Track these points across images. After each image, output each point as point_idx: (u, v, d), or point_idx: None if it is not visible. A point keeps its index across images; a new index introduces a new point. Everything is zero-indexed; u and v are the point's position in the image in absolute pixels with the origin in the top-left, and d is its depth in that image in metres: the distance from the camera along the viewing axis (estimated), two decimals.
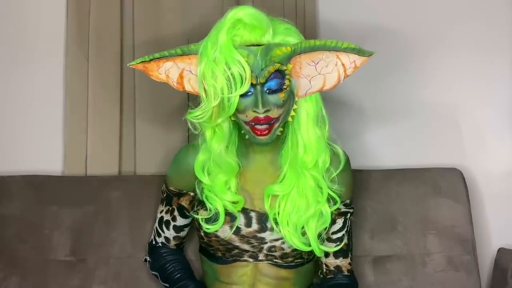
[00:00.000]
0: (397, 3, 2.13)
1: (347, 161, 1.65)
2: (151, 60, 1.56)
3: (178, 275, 1.69)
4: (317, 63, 1.54)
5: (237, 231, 1.61)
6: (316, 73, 1.54)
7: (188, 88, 1.57)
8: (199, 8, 2.03)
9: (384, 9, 2.12)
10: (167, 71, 1.56)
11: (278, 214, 1.59)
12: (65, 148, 2.06)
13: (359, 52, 1.52)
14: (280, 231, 1.59)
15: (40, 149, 2.08)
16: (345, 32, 2.05)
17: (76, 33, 2.04)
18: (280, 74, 1.49)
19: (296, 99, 1.55)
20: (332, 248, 1.66)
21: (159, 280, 1.73)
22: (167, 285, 1.70)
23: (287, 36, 1.53)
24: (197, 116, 1.53)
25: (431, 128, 2.14)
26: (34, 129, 2.09)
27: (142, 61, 1.56)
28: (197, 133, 1.59)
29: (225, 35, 1.46)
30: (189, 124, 1.58)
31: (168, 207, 1.71)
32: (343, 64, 1.53)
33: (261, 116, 1.48)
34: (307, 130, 1.56)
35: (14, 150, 2.08)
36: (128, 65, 1.60)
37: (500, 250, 2.02)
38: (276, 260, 1.64)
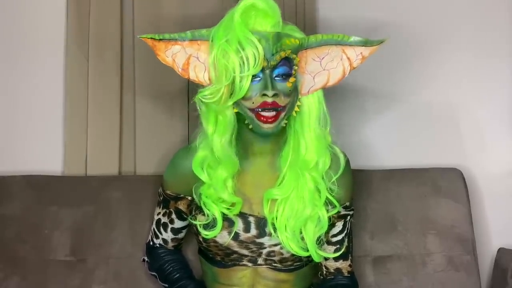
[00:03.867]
0: (397, 3, 2.13)
1: (347, 163, 1.64)
2: (160, 39, 1.55)
3: (177, 275, 1.68)
4: (323, 58, 1.54)
5: (236, 237, 1.59)
6: (321, 69, 1.55)
7: (192, 75, 1.55)
8: (200, 8, 2.03)
9: (384, 9, 2.12)
10: (174, 55, 1.54)
11: (276, 218, 1.57)
12: (65, 148, 2.06)
13: (366, 43, 1.53)
14: (278, 236, 1.57)
15: (40, 149, 2.08)
16: (345, 32, 2.04)
17: (76, 33, 2.04)
18: (288, 62, 1.49)
19: (299, 96, 1.55)
20: (331, 254, 1.65)
21: (158, 280, 1.73)
22: (166, 285, 1.69)
23: (293, 33, 1.54)
24: (206, 95, 1.51)
25: (431, 128, 2.14)
26: (34, 129, 2.09)
27: (152, 38, 1.55)
28: (198, 115, 1.57)
29: (239, 17, 1.46)
30: (197, 105, 1.55)
31: (165, 209, 1.70)
32: (348, 58, 1.54)
33: (270, 100, 1.47)
34: (309, 129, 1.55)
35: (14, 150, 2.08)
36: (138, 36, 1.58)
37: (500, 250, 2.02)
38: (275, 265, 1.63)
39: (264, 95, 1.47)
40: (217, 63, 1.49)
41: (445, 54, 2.13)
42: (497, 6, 2.12)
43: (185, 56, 1.55)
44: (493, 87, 2.14)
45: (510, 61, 2.13)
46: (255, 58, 1.45)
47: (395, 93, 2.13)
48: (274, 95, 1.47)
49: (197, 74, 1.55)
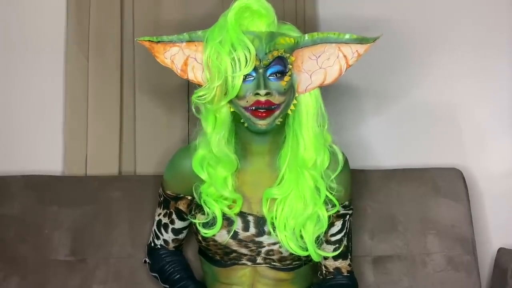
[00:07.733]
0: (397, 2, 2.13)
1: (346, 162, 1.64)
2: (158, 42, 1.57)
3: (178, 275, 1.68)
4: (319, 56, 1.55)
5: (235, 236, 1.59)
6: (318, 67, 1.55)
7: (190, 76, 1.57)
8: (200, 9, 2.03)
9: (384, 8, 2.12)
10: (173, 56, 1.57)
11: (276, 218, 1.57)
12: (65, 148, 2.06)
13: (361, 41, 1.54)
14: (277, 235, 1.57)
15: (40, 149, 2.08)
16: (345, 31, 2.04)
17: (76, 33, 2.04)
18: (282, 61, 1.50)
19: (296, 94, 1.55)
20: (330, 253, 1.65)
21: (159, 281, 1.73)
22: (167, 286, 1.69)
23: (290, 31, 1.55)
24: (200, 96, 1.53)
25: (431, 128, 2.14)
26: (34, 129, 2.09)
27: (150, 40, 1.57)
28: (198, 116, 1.57)
29: (233, 18, 1.48)
30: (193, 105, 1.56)
31: (165, 210, 1.70)
32: (344, 56, 1.54)
33: (263, 99, 1.48)
34: (307, 128, 1.55)
35: (14, 150, 2.08)
36: (136, 39, 1.61)
37: (500, 250, 2.02)
38: (275, 263, 1.63)
39: (257, 94, 1.48)
40: (210, 64, 1.50)
41: (446, 54, 2.13)
42: (498, 6, 2.12)
43: (183, 57, 1.57)
44: (493, 87, 2.14)
45: (510, 61, 2.13)
46: (246, 58, 1.46)
47: (395, 93, 2.13)
48: (267, 94, 1.48)
49: (195, 74, 1.57)
